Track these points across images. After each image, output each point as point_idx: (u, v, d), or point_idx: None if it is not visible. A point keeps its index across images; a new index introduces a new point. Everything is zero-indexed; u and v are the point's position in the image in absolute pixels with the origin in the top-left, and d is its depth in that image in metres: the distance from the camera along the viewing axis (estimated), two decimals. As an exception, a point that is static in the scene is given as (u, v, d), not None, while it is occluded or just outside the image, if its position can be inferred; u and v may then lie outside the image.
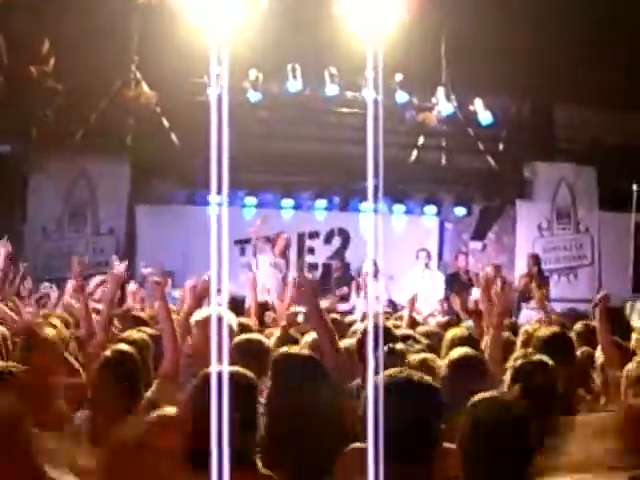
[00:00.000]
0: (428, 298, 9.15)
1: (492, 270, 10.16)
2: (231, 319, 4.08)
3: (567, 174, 12.13)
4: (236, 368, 2.63)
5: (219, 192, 1.22)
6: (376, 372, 2.20)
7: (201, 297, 4.15)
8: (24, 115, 10.48)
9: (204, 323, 3.98)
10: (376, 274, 10.42)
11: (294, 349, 3.17)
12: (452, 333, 4.30)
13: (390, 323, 5.35)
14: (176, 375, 3.58)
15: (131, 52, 11.02)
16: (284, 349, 3.20)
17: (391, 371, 2.27)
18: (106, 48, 10.34)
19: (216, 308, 4.27)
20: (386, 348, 3.64)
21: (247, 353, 3.57)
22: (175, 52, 9.74)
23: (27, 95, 10.50)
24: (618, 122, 11.86)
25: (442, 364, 3.30)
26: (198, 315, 4.10)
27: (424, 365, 3.19)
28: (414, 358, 3.33)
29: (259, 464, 2.57)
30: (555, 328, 4.34)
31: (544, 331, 4.09)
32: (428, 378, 2.27)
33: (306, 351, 3.10)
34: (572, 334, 4.85)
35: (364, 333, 4.39)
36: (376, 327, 4.42)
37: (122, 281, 4.75)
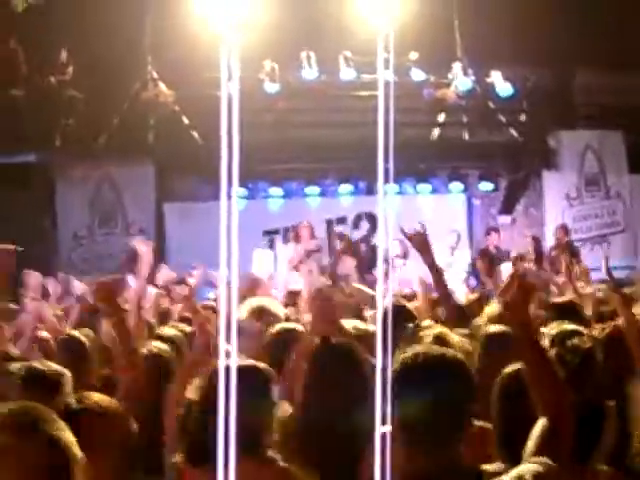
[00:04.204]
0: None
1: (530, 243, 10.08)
2: (278, 308, 4.07)
3: (592, 140, 11.96)
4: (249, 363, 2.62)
5: (239, 185, 1.22)
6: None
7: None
8: (47, 124, 10.60)
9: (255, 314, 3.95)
10: (405, 255, 10.40)
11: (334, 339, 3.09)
12: (489, 310, 4.24)
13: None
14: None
15: (145, 52, 11.07)
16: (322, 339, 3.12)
17: (417, 348, 2.23)
18: (121, 51, 10.40)
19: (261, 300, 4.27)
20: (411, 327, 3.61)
21: (281, 342, 3.58)
22: (188, 48, 9.76)
23: (48, 104, 10.61)
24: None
25: (457, 339, 3.19)
26: (246, 308, 4.09)
27: (439, 340, 3.10)
28: (427, 333, 3.25)
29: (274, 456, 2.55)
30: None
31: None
32: (459, 355, 2.22)
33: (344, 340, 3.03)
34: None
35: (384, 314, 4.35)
36: (396, 308, 4.41)
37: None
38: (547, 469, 2.01)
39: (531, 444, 2.11)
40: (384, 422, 1.50)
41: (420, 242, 3.90)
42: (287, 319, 4.21)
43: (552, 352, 2.96)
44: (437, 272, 3.92)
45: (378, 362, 1.44)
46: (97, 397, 2.27)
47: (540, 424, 2.13)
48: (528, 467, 2.05)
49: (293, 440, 2.72)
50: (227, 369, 1.10)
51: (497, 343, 3.22)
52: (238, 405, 1.07)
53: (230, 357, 1.10)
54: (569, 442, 2.17)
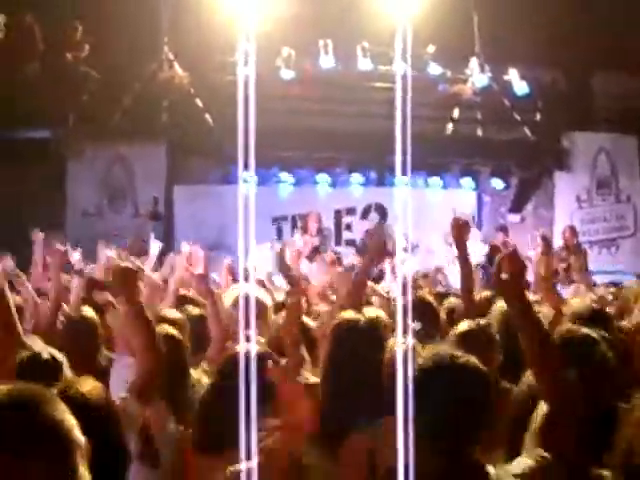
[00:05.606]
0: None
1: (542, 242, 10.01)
2: (264, 297, 4.08)
3: (606, 143, 11.91)
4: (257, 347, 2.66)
5: (247, 169, 1.23)
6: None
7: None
8: (61, 101, 10.61)
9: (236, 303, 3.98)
10: (409, 248, 10.36)
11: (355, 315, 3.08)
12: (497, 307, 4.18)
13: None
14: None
15: (162, 33, 11.07)
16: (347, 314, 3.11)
17: (434, 351, 2.20)
18: (138, 30, 10.39)
19: (246, 286, 4.28)
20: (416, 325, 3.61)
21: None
22: (206, 31, 9.75)
23: (63, 81, 10.62)
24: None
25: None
26: (231, 295, 4.11)
27: None
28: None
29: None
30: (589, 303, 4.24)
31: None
32: (475, 360, 2.19)
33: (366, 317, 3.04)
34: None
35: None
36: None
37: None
38: (540, 464, 2.00)
39: (531, 435, 2.08)
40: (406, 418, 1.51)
41: (461, 231, 3.88)
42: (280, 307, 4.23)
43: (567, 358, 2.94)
44: (467, 265, 3.90)
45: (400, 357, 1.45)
46: (84, 387, 2.21)
47: (540, 412, 2.10)
48: (519, 462, 2.04)
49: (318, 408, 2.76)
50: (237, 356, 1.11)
51: (468, 341, 3.21)
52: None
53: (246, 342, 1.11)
54: (572, 430, 2.14)
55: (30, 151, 10.09)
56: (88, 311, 4.15)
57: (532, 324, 2.19)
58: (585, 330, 2.97)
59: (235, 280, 6.16)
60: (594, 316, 3.68)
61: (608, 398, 2.80)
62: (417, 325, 3.62)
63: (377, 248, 3.78)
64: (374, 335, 2.93)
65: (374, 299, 4.91)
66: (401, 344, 2.22)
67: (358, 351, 2.85)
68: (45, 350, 3.09)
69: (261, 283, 5.55)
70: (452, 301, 4.62)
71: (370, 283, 5.69)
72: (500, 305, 3.89)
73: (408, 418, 1.50)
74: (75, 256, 6.45)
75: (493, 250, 10.81)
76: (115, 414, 2.23)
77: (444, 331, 4.10)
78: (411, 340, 3.15)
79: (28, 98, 10.18)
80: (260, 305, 3.87)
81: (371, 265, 3.93)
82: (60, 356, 3.10)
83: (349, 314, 3.03)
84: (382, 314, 3.45)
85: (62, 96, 10.57)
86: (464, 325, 3.46)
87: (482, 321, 3.55)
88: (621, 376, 3.02)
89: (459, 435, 2.00)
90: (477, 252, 10.76)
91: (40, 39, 10.65)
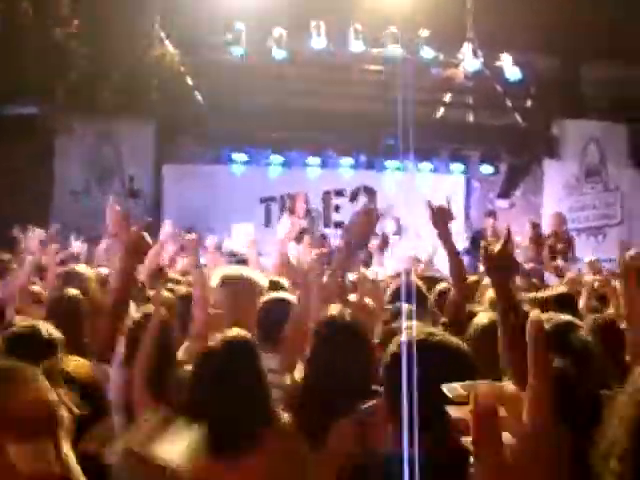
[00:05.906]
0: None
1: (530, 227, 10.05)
2: (259, 278, 4.03)
3: (596, 132, 11.93)
4: (236, 334, 2.67)
5: (240, 151, 1.22)
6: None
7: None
8: (49, 77, 10.50)
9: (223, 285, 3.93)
10: (399, 233, 10.40)
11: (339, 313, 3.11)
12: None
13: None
14: (206, 336, 3.57)
15: (154, 11, 10.96)
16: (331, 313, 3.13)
17: (420, 331, 2.21)
18: (129, 7, 10.29)
19: (238, 268, 4.26)
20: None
21: (273, 313, 3.60)
22: (198, 10, 9.67)
23: (52, 57, 10.51)
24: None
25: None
26: (218, 276, 4.06)
27: None
28: None
29: (281, 420, 2.63)
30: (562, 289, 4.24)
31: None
32: (458, 341, 2.20)
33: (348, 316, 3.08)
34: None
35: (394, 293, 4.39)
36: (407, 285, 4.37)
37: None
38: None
39: None
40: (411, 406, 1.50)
41: (442, 216, 3.82)
42: (275, 288, 4.20)
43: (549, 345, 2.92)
44: (455, 255, 3.86)
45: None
46: (70, 365, 2.19)
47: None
48: None
49: (295, 410, 2.77)
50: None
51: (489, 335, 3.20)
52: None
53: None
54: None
55: (17, 127, 9.99)
56: (71, 290, 4.13)
57: (511, 310, 2.24)
58: (566, 317, 2.97)
59: (222, 257, 6.15)
60: (560, 300, 3.68)
61: (592, 385, 2.80)
62: (406, 307, 3.63)
63: (362, 230, 3.77)
64: (357, 330, 2.96)
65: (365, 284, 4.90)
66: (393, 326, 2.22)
67: (341, 347, 2.89)
68: (44, 327, 3.08)
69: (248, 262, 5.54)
70: (443, 285, 4.62)
71: (362, 269, 5.69)
72: (491, 295, 3.89)
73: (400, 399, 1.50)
74: (76, 244, 6.51)
75: (479, 235, 10.84)
76: (101, 391, 2.22)
77: (434, 314, 4.12)
78: (404, 322, 3.18)
79: (17, 73, 10.08)
80: (255, 286, 3.83)
81: (350, 249, 3.91)
82: (58, 334, 3.09)
83: (332, 310, 3.06)
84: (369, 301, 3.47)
85: (51, 72, 10.47)
86: (481, 319, 3.41)
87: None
88: (603, 362, 3.02)
89: (436, 415, 2.00)
90: (459, 238, 10.79)
91: (30, 13, 10.52)
